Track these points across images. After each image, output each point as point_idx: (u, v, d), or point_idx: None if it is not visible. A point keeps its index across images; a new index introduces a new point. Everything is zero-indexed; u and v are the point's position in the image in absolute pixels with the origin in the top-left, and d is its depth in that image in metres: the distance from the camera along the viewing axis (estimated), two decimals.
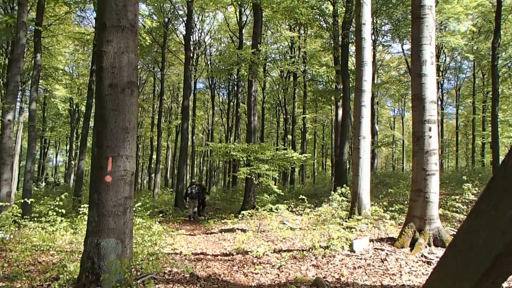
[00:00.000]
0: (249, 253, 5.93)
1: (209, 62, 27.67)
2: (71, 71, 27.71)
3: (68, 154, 32.66)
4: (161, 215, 11.94)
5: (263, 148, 11.54)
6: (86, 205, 6.09)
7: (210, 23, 28.87)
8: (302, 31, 22.25)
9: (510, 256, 1.17)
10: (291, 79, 24.20)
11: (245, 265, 5.34)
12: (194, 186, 12.63)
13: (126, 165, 3.69)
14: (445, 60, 25.17)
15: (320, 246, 5.67)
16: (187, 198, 12.59)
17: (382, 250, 5.35)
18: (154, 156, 27.92)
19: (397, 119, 38.66)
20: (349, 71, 14.46)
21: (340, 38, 14.55)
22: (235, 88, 26.20)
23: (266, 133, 34.60)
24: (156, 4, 19.33)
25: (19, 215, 6.69)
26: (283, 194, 11.93)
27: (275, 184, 14.94)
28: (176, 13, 21.58)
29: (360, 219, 7.27)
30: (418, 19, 5.69)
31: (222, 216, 11.54)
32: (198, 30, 25.34)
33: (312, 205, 9.50)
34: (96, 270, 3.54)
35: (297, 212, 9.90)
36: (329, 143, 34.91)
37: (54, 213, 6.62)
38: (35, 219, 6.91)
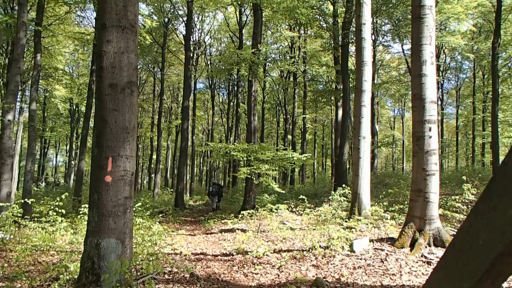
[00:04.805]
0: (249, 253, 5.93)
1: (209, 62, 27.67)
2: (71, 71, 27.69)
3: (68, 154, 32.65)
4: (161, 215, 11.96)
5: (263, 148, 11.52)
6: (86, 205, 6.09)
7: (210, 23, 28.92)
8: (302, 31, 22.25)
9: (510, 256, 1.17)
10: (291, 79, 24.19)
11: (245, 265, 5.34)
12: (214, 185, 15.22)
13: (126, 165, 3.69)
14: (445, 60, 25.17)
15: (320, 246, 5.66)
16: (209, 195, 15.14)
17: (382, 250, 5.35)
18: (154, 156, 27.90)
19: (397, 119, 38.65)
20: (349, 71, 14.47)
21: (340, 38, 14.56)
22: (235, 88, 26.20)
23: (266, 133, 34.58)
24: (156, 4, 19.35)
25: (19, 215, 6.69)
26: (283, 192, 11.96)
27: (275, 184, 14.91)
28: (176, 13, 21.59)
29: (360, 219, 7.27)
30: (418, 19, 5.69)
31: (222, 216, 11.55)
32: (198, 30, 25.36)
33: (312, 205, 9.50)
34: (96, 270, 3.54)
35: (297, 212, 9.90)
36: (329, 143, 34.89)
37: (54, 213, 6.62)
38: (35, 219, 6.91)
